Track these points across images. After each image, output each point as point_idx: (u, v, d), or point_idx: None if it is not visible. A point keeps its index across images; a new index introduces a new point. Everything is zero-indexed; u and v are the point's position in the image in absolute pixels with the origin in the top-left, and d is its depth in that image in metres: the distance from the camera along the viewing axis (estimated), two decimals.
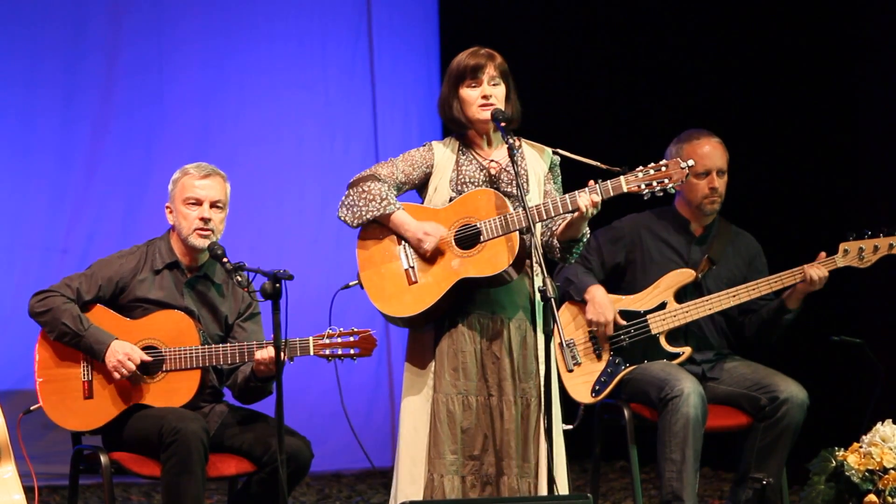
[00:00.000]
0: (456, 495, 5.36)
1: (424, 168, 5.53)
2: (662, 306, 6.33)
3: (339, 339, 5.52)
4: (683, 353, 6.32)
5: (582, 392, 6.30)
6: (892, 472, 5.63)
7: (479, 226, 5.40)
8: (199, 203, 5.68)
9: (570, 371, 5.36)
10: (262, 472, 5.58)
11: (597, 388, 6.31)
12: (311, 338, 5.51)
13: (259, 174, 8.64)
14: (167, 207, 5.75)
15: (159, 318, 5.63)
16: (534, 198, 5.46)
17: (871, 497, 5.64)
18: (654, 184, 5.35)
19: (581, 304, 6.32)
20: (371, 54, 8.97)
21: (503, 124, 5.40)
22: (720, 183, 6.35)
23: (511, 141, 5.37)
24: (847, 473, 5.67)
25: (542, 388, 5.31)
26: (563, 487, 5.40)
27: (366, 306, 5.54)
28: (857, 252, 6.26)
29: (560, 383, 5.92)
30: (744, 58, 8.49)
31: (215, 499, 7.79)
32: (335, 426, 6.91)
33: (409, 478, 5.44)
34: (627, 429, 6.26)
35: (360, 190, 5.48)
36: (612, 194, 5.35)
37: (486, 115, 5.44)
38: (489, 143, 5.56)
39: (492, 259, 5.38)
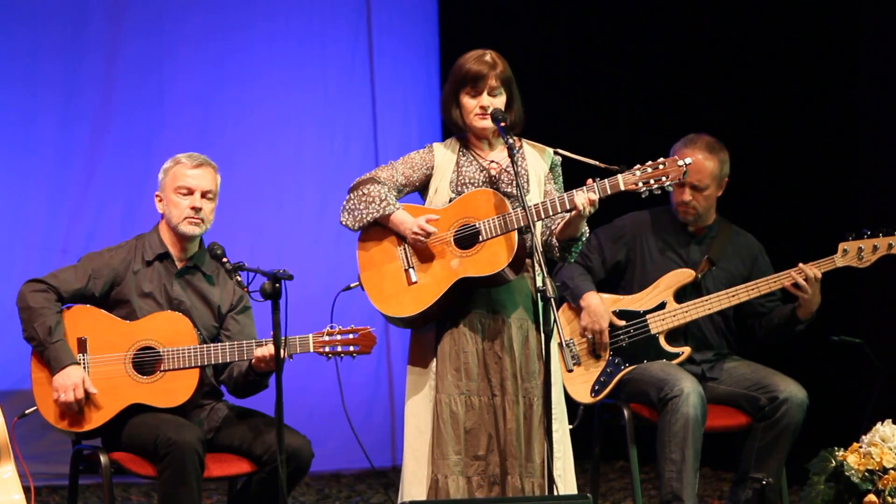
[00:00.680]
0: (461, 496, 5.36)
1: (425, 170, 5.53)
2: (662, 306, 6.33)
3: (339, 337, 5.52)
4: (683, 353, 6.31)
5: (581, 392, 6.30)
6: (891, 472, 5.62)
7: (478, 225, 5.41)
8: (190, 192, 5.67)
9: (570, 371, 5.34)
10: (262, 471, 5.57)
11: (596, 388, 6.31)
12: (310, 335, 5.51)
13: (259, 174, 8.63)
14: (157, 196, 5.74)
15: (157, 320, 5.62)
16: (534, 198, 5.46)
17: (871, 497, 5.63)
18: (652, 182, 5.35)
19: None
20: (370, 55, 8.96)
21: (503, 124, 5.40)
22: (695, 197, 6.30)
23: (511, 141, 5.37)
24: (847, 473, 5.66)
25: (542, 388, 5.31)
26: (571, 487, 5.40)
27: (366, 307, 5.55)
28: (856, 252, 6.25)
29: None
30: (744, 58, 8.49)
31: (215, 498, 7.78)
32: (335, 426, 6.90)
33: (415, 479, 5.44)
34: (627, 429, 6.26)
35: (360, 193, 5.48)
36: (609, 193, 5.35)
37: (483, 123, 5.45)
38: (490, 145, 5.56)
39: (490, 258, 5.38)
